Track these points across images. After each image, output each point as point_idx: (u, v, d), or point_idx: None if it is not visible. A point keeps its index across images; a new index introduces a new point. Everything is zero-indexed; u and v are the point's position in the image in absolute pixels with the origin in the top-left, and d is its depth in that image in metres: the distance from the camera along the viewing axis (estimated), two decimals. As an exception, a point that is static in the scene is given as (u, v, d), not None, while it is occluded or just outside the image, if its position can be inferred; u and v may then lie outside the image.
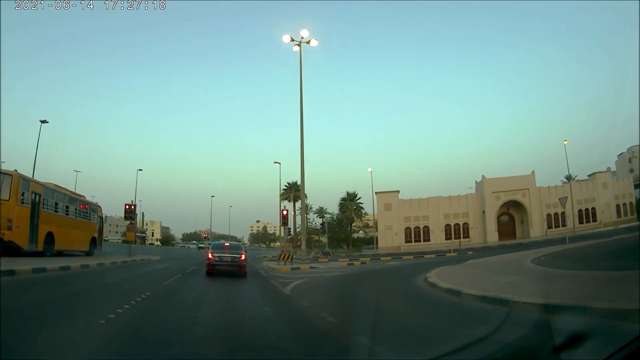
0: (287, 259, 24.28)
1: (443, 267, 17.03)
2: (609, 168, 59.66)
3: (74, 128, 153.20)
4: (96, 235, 23.55)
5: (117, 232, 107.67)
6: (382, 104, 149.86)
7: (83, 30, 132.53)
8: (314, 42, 28.20)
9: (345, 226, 63.25)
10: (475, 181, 56.21)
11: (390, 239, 52.02)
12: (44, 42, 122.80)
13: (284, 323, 7.18)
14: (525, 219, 52.65)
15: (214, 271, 15.77)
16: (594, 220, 52.95)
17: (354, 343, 5.16)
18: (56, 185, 19.94)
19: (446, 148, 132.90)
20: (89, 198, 25.84)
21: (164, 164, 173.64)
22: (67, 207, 20.00)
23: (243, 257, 16.09)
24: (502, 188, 51.34)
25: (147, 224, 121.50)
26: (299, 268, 21.58)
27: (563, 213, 53.85)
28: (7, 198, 14.86)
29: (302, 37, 27.42)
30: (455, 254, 33.04)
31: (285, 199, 62.70)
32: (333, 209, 69.43)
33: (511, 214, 54.36)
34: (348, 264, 25.22)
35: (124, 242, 79.99)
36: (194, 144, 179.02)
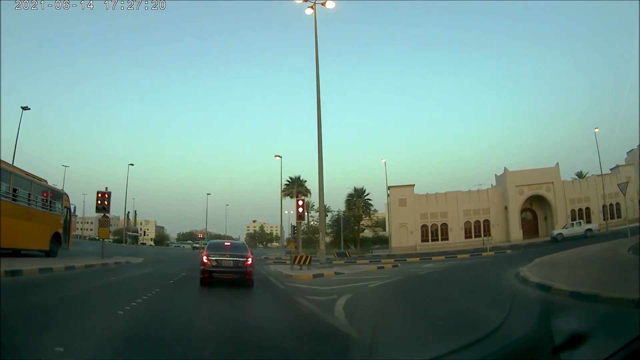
0: (305, 262, 19.27)
1: (530, 267, 12.37)
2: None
3: (74, 128, 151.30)
4: (60, 230, 18.64)
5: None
6: (382, 104, 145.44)
7: (83, 31, 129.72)
8: (330, 4, 24.05)
9: (353, 225, 58.23)
10: (495, 174, 51.70)
11: (404, 237, 47.20)
12: (44, 42, 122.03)
13: None
14: (549, 215, 48.17)
15: (210, 280, 11.51)
16: (618, 217, 48.52)
17: None
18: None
19: (448, 146, 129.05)
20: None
21: (160, 163, 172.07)
22: (14, 190, 15.10)
23: (249, 261, 11.84)
24: (525, 181, 46.79)
25: (141, 223, 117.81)
26: (322, 274, 16.75)
27: (588, 209, 49.77)
28: None
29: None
30: (493, 252, 28.46)
31: (288, 195, 57.62)
32: (337, 207, 64.35)
33: (533, 209, 49.90)
34: (378, 268, 20.26)
35: (116, 241, 75.85)
36: (192, 144, 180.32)
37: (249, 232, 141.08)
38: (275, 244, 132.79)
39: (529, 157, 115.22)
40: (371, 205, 58.55)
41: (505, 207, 47.29)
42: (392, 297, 10.46)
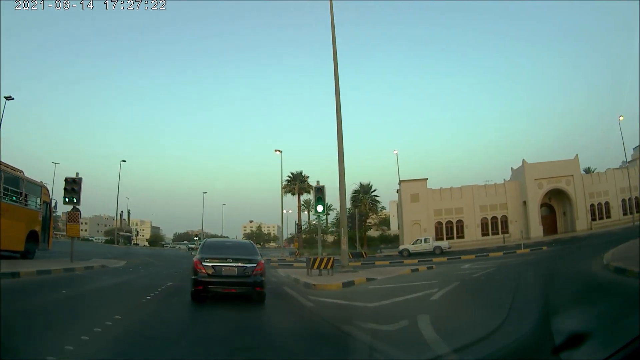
0: (326, 265, 15.51)
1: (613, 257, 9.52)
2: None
3: (74, 128, 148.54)
4: (38, 228, 15.56)
5: (98, 232, 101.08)
6: (389, 102, 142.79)
7: (83, 31, 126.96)
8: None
9: (359, 223, 55.08)
10: (512, 167, 49.01)
11: (417, 235, 44.28)
12: (44, 43, 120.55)
13: None
14: (569, 210, 45.67)
15: (205, 295, 8.36)
16: (638, 211, 46.03)
17: None
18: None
19: (449, 143, 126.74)
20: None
21: (159, 164, 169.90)
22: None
23: (261, 267, 8.59)
24: (545, 174, 44.18)
25: (136, 224, 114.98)
26: (352, 282, 13.34)
27: (607, 203, 47.30)
28: None
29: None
30: (528, 250, 25.68)
31: (289, 192, 54.29)
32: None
33: (552, 204, 47.31)
34: (413, 271, 17.19)
35: (108, 241, 72.11)
36: (191, 144, 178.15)
37: (246, 232, 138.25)
38: (272, 244, 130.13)
39: (529, 157, 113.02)
40: (378, 202, 55.56)
41: (524, 202, 44.70)
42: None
